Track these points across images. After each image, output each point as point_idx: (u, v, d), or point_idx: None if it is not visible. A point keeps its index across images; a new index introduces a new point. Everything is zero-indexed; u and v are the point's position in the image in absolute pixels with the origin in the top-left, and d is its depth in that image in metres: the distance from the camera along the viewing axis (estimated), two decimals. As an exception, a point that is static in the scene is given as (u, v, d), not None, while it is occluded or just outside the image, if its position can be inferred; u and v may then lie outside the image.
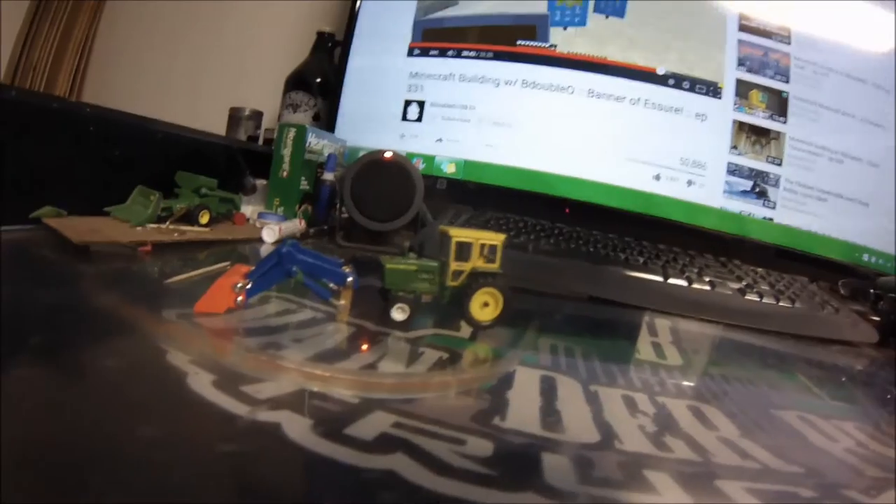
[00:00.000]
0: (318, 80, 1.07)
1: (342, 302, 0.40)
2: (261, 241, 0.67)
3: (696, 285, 0.64)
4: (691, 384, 0.42)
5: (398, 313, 0.41)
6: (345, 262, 0.40)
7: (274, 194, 0.79)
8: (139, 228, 0.55)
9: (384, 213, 0.73)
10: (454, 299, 0.42)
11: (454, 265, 0.41)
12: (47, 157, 0.53)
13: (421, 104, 0.95)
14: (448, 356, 0.39)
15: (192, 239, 0.58)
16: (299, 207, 0.79)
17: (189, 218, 0.62)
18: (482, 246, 0.41)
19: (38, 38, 1.45)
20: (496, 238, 0.42)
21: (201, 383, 0.27)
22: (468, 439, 0.26)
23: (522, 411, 0.31)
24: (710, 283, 0.64)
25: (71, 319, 0.34)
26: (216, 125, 1.10)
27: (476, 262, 0.41)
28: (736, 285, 0.65)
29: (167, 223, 0.58)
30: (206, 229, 0.62)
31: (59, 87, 1.47)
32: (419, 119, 0.95)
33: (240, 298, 0.35)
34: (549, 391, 0.35)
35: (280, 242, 0.66)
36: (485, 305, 0.42)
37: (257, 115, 1.13)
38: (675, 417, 0.33)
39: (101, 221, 0.54)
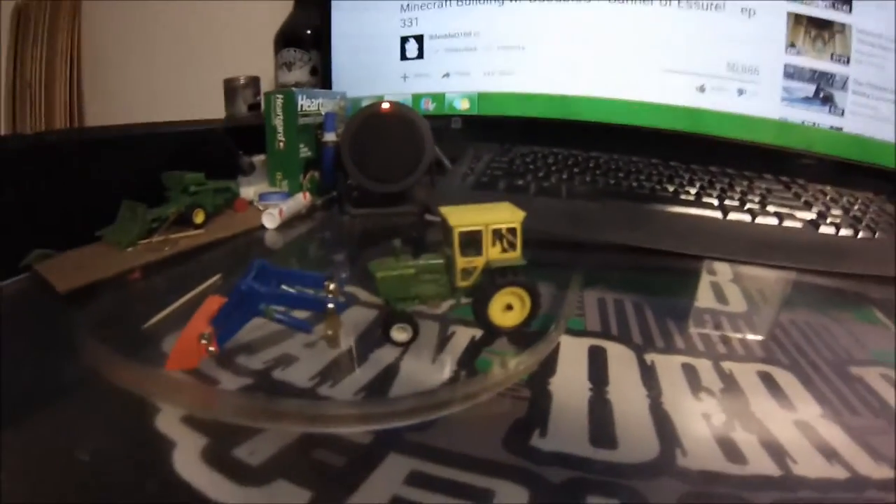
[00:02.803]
0: (308, 32, 1.02)
1: (328, 332, 0.34)
2: (263, 228, 0.64)
3: (760, 219, 0.55)
4: (759, 338, 0.37)
5: (399, 333, 0.35)
6: (327, 277, 0.35)
7: (275, 168, 0.77)
8: (130, 249, 0.54)
9: (393, 171, 0.69)
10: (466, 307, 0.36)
11: (462, 262, 0.34)
12: (27, 197, 0.53)
13: (419, 39, 0.88)
14: (481, 335, 0.36)
15: (185, 248, 0.56)
16: (304, 177, 0.76)
17: (184, 221, 0.60)
18: (495, 232, 0.34)
19: (26, 56, 1.50)
20: (512, 219, 0.34)
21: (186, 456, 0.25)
22: (497, 488, 0.23)
23: (567, 418, 0.28)
24: (777, 215, 0.56)
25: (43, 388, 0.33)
26: (216, 101, 1.08)
27: (490, 255, 0.34)
28: (807, 215, 0.56)
29: (156, 235, 0.56)
30: (201, 231, 0.60)
31: (58, 97, 1.52)
32: (420, 56, 0.88)
33: (212, 349, 0.32)
34: (599, 372, 0.32)
35: (282, 225, 0.64)
36: (508, 308, 0.35)
37: (254, 82, 1.09)
38: (746, 394, 0.30)
39: (90, 252, 0.53)
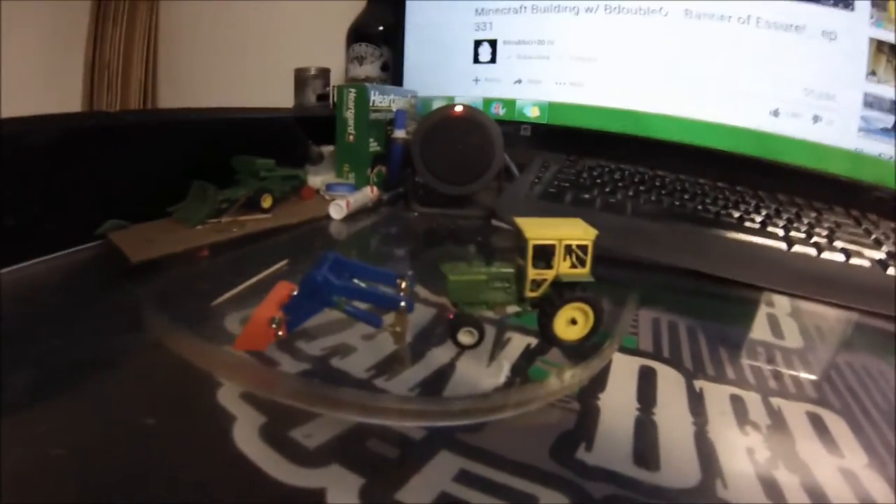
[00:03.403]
0: (381, 28, 1.04)
1: (396, 329, 0.35)
2: (329, 218, 0.67)
3: (826, 254, 0.54)
4: (812, 377, 0.37)
5: (465, 337, 0.36)
6: (400, 275, 0.37)
7: (342, 160, 0.79)
8: (199, 227, 0.56)
9: (462, 174, 0.70)
10: (530, 315, 0.37)
11: (533, 273, 0.35)
12: (103, 172, 0.55)
13: (493, 43, 0.89)
14: (536, 343, 0.37)
15: (252, 231, 0.58)
16: (371, 171, 0.78)
17: (252, 204, 0.62)
18: (567, 247, 0.35)
19: (105, 36, 1.59)
20: (586, 236, 0.35)
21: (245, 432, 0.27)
22: (541, 495, 0.24)
23: (613, 435, 0.28)
24: (844, 251, 0.54)
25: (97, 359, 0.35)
26: (285, 89, 1.12)
27: (561, 269, 0.35)
28: (876, 254, 0.54)
29: (224, 216, 0.58)
30: (268, 215, 0.62)
31: (134, 78, 1.61)
32: (492, 60, 0.89)
33: (280, 333, 0.34)
34: (647, 392, 0.33)
35: (347, 217, 0.66)
36: (572, 323, 0.36)
37: (324, 73, 1.12)
38: (792, 434, 0.30)
39: (161, 227, 0.56)
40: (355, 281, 0.37)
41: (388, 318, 0.35)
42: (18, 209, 0.47)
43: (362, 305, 0.36)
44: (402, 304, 0.34)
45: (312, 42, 1.34)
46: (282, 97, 1.13)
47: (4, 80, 1.38)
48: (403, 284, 0.36)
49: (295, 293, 0.35)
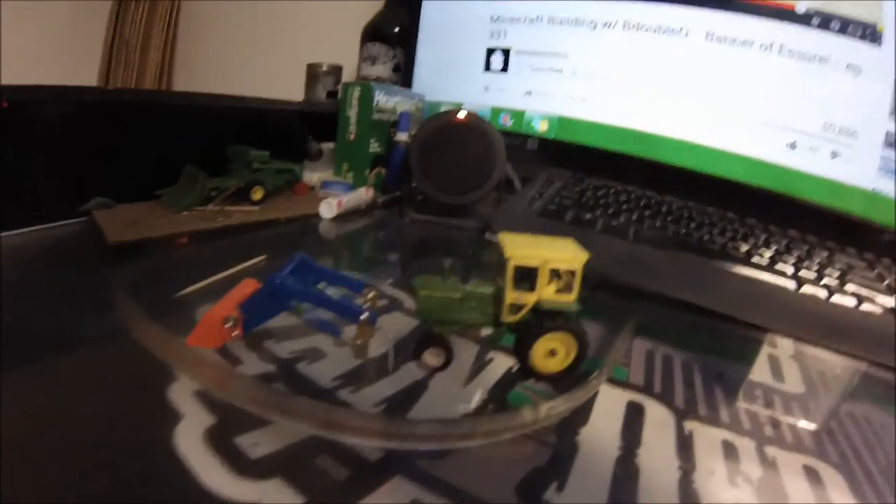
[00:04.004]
0: (396, 29, 1.03)
1: (357, 341, 0.33)
2: (318, 217, 0.65)
3: (836, 298, 0.51)
4: (811, 427, 0.34)
5: (431, 358, 0.33)
6: (366, 285, 0.34)
7: (341, 159, 0.77)
8: (185, 214, 0.55)
9: (459, 182, 0.68)
10: (511, 334, 0.34)
11: (512, 296, 0.32)
12: (97, 148, 0.55)
13: (506, 52, 0.87)
14: (519, 367, 0.34)
15: (238, 222, 0.56)
16: (370, 172, 0.76)
17: (243, 195, 0.61)
18: (553, 270, 0.31)
19: (127, 15, 1.61)
20: (574, 260, 0.31)
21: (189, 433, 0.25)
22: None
23: (589, 476, 0.26)
24: (856, 296, 0.51)
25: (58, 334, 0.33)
26: (297, 83, 1.11)
27: (543, 293, 0.32)
28: (888, 301, 0.51)
29: (212, 204, 0.57)
30: (257, 208, 0.61)
31: (151, 58, 1.62)
32: (504, 69, 0.87)
33: (235, 333, 0.32)
34: (633, 431, 0.30)
35: (339, 216, 0.64)
36: (551, 354, 0.33)
37: (336, 70, 1.10)
38: (786, 488, 0.27)
39: (145, 210, 0.55)
40: (321, 286, 0.34)
41: (354, 331, 0.33)
42: (15, 177, 0.47)
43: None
44: (364, 315, 0.32)
45: (328, 39, 1.33)
46: (294, 91, 1.12)
47: (26, 52, 1.39)
48: (371, 294, 0.33)
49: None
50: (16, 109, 0.47)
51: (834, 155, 0.70)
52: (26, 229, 0.48)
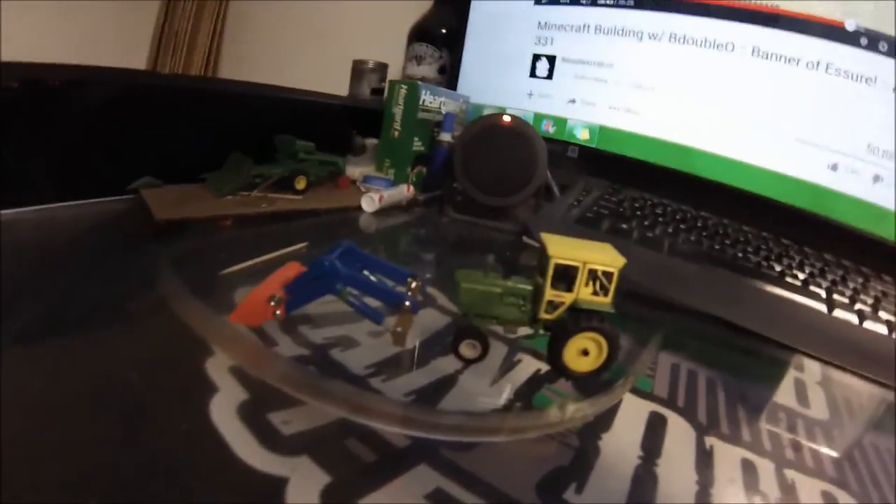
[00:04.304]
0: (444, 31, 1.03)
1: (398, 329, 0.33)
2: (360, 209, 0.66)
3: (868, 324, 0.50)
4: (833, 454, 0.34)
5: (467, 350, 0.34)
6: (412, 274, 0.35)
7: (384, 155, 0.78)
8: (229, 198, 0.56)
9: (501, 185, 0.68)
10: (545, 336, 0.34)
11: (550, 294, 0.32)
12: (151, 130, 0.56)
13: (551, 59, 0.87)
14: (546, 370, 0.35)
15: (280, 209, 0.57)
16: (412, 170, 0.77)
17: (286, 184, 0.62)
18: (591, 272, 0.32)
19: (177, 10, 1.66)
20: (612, 263, 0.32)
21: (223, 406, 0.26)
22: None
23: (608, 480, 0.26)
24: (889, 324, 0.50)
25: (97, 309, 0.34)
26: (342, 79, 1.12)
27: (581, 294, 0.32)
28: None
29: (256, 191, 0.58)
30: (300, 197, 0.62)
31: (199, 48, 1.67)
32: (549, 76, 0.88)
33: (278, 312, 0.33)
34: (654, 441, 0.30)
35: (379, 211, 0.65)
36: (583, 353, 0.34)
37: (382, 68, 1.12)
38: None
39: (191, 191, 0.56)
40: (365, 273, 0.35)
41: (394, 319, 0.34)
42: (59, 155, 0.49)
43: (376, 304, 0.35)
44: (407, 303, 0.32)
45: (375, 37, 1.34)
46: (338, 87, 1.13)
47: (78, 36, 1.43)
48: (413, 284, 0.34)
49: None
50: (71, 88, 0.49)
51: (876, 179, 0.69)
52: (76, 202, 0.49)
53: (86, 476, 0.21)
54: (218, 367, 0.29)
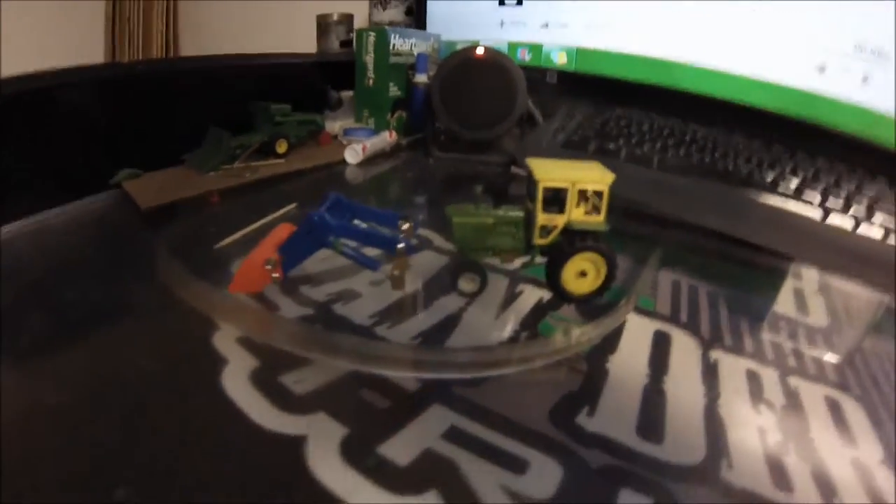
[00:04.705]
0: (406, -30, 1.00)
1: (395, 272, 0.33)
2: (345, 163, 0.65)
3: (863, 229, 0.49)
4: (834, 359, 0.34)
5: (466, 283, 0.34)
6: (402, 216, 0.35)
7: (362, 106, 0.77)
8: (213, 174, 0.55)
9: (482, 118, 0.67)
10: (541, 265, 0.34)
11: (542, 218, 0.32)
12: (120, 122, 0.55)
13: (520, -16, 0.84)
14: (549, 298, 0.35)
15: (266, 175, 0.57)
16: (391, 116, 0.76)
17: (267, 150, 0.61)
18: (581, 192, 0.32)
19: None
20: (601, 181, 0.32)
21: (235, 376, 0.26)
22: (532, 460, 0.22)
23: (618, 402, 0.27)
24: (884, 227, 0.49)
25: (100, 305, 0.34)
26: (307, 37, 1.10)
27: (573, 215, 0.32)
28: None
29: (238, 162, 0.58)
30: (283, 160, 0.61)
31: (155, 28, 1.63)
32: (519, 2, 0.85)
33: (275, 275, 0.33)
34: (660, 359, 0.31)
35: (364, 161, 0.64)
36: (581, 275, 0.33)
37: (347, 19, 1.09)
38: (807, 417, 0.28)
39: (173, 174, 0.55)
40: (356, 222, 0.35)
41: (391, 264, 0.34)
42: (37, 160, 0.48)
43: (371, 252, 0.35)
44: (401, 245, 0.32)
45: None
46: (306, 44, 1.11)
47: (27, 36, 1.40)
48: (406, 226, 0.34)
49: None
50: (37, 94, 0.48)
51: (865, 79, 0.65)
52: (59, 208, 0.48)
53: (102, 464, 0.21)
54: (225, 340, 0.29)
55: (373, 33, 0.73)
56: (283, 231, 0.34)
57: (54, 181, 0.49)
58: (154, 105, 0.58)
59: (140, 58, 1.60)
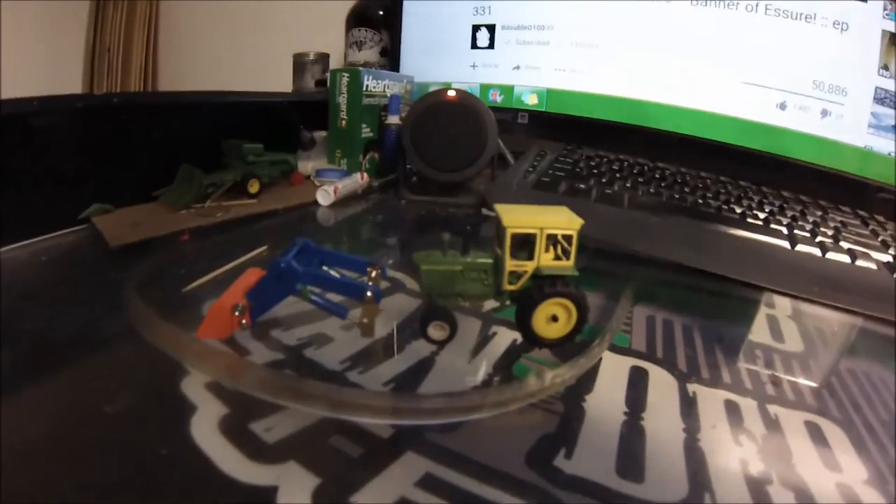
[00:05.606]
0: (381, 13, 1.02)
1: (364, 320, 0.33)
2: (316, 204, 0.65)
3: (831, 255, 0.51)
4: (812, 384, 0.34)
5: (435, 331, 0.33)
6: (371, 263, 0.35)
7: (334, 146, 0.77)
8: (184, 212, 0.55)
9: (453, 160, 0.68)
10: (513, 307, 0.34)
11: (511, 264, 0.32)
12: (91, 155, 0.54)
13: (491, 28, 0.86)
14: (522, 340, 0.34)
15: (237, 216, 0.56)
16: (364, 157, 0.76)
17: (239, 189, 0.61)
18: (550, 237, 0.31)
19: (106, 20, 1.62)
20: (569, 226, 0.31)
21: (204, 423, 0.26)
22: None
23: (596, 442, 0.26)
24: (850, 252, 0.51)
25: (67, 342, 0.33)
26: (284, 75, 1.11)
27: (542, 261, 0.32)
28: (883, 256, 0.52)
29: (209, 201, 0.57)
30: (255, 200, 0.61)
31: (135, 60, 1.63)
32: (491, 45, 0.87)
33: (244, 322, 0.32)
34: (637, 396, 0.31)
35: (336, 203, 0.64)
36: (553, 319, 0.33)
37: (323, 58, 1.10)
38: (789, 444, 0.28)
39: (144, 211, 0.55)
40: (324, 268, 0.35)
41: (359, 311, 0.33)
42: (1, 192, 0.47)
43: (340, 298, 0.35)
44: (369, 293, 0.32)
45: (313, 27, 1.32)
46: (282, 82, 1.11)
47: (5, 63, 1.38)
48: (374, 273, 0.34)
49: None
50: (9, 122, 0.47)
51: (825, 113, 0.70)
52: (27, 241, 0.47)
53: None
54: (194, 386, 0.29)
55: (346, 74, 0.73)
56: (252, 276, 0.34)
57: (21, 214, 0.48)
58: (126, 139, 0.57)
59: (119, 88, 1.60)
